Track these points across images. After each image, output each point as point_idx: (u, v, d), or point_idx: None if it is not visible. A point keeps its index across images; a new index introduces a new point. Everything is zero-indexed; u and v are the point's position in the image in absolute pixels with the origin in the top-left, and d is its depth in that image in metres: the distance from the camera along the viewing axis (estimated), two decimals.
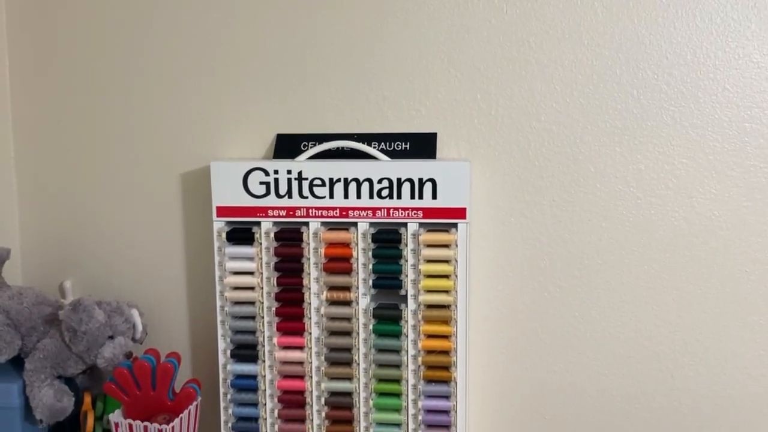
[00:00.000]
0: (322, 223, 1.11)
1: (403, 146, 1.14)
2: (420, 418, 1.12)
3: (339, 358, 1.13)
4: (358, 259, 1.10)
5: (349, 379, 1.13)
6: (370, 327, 1.11)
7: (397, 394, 1.12)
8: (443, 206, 1.07)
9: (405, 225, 1.09)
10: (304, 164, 1.10)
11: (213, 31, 1.18)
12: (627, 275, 1.13)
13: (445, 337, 1.10)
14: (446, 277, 1.09)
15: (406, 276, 1.09)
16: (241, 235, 1.12)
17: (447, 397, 1.11)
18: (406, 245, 1.09)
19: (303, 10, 1.15)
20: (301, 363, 1.13)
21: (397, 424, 1.13)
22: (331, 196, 1.09)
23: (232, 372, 1.15)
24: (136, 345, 1.18)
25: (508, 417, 1.20)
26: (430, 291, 1.09)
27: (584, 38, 1.09)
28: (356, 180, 1.08)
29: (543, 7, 1.09)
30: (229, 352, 1.15)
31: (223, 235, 1.12)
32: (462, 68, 1.13)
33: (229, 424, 1.16)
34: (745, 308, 1.11)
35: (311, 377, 1.13)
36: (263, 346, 1.13)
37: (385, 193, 1.08)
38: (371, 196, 1.09)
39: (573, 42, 1.09)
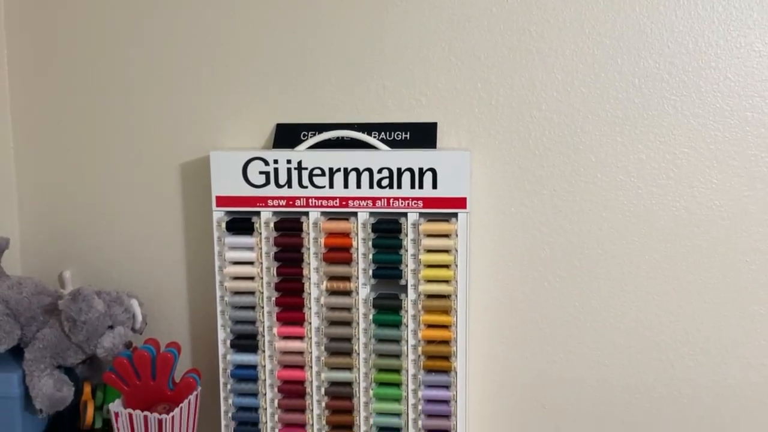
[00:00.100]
0: (322, 213, 1.10)
1: (404, 136, 1.13)
2: (420, 407, 1.12)
3: (339, 348, 1.13)
4: (358, 249, 1.10)
5: (349, 369, 1.13)
6: (370, 317, 1.11)
7: (397, 384, 1.12)
8: (443, 196, 1.07)
9: (405, 215, 1.08)
10: (303, 154, 1.10)
11: (213, 22, 1.17)
12: (627, 265, 1.13)
13: (445, 327, 1.10)
14: (446, 267, 1.09)
15: (406, 266, 1.09)
16: (241, 225, 1.12)
17: (447, 386, 1.11)
18: (406, 235, 1.09)
19: (303, 0, 1.15)
20: (301, 353, 1.13)
21: (397, 414, 1.13)
22: (331, 185, 1.09)
23: (232, 362, 1.15)
24: (135, 335, 1.18)
25: (508, 407, 1.20)
26: (430, 281, 1.09)
27: (585, 27, 1.09)
28: (356, 170, 1.08)
29: None
30: (228, 342, 1.15)
31: (223, 225, 1.12)
32: (462, 57, 1.12)
33: (229, 414, 1.16)
34: (745, 298, 1.11)
35: (311, 367, 1.13)
36: (263, 336, 1.13)
37: (385, 182, 1.08)
38: (371, 186, 1.08)
39: (574, 31, 1.09)
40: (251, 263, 1.13)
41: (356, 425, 1.13)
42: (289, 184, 1.10)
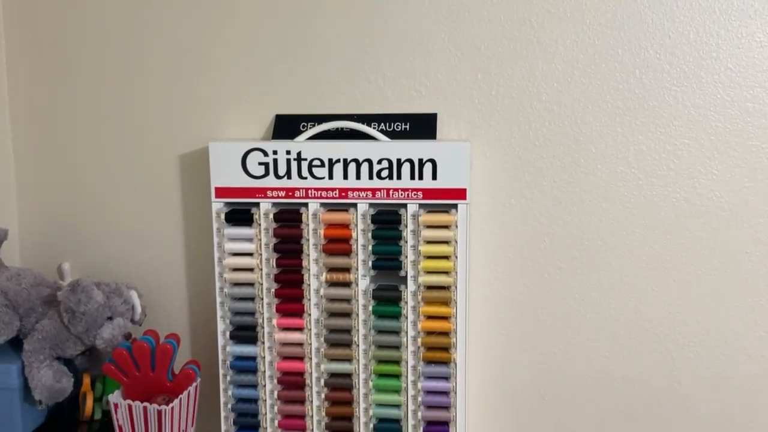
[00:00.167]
0: (322, 204, 1.10)
1: (403, 127, 1.13)
2: (420, 399, 1.12)
3: (338, 340, 1.12)
4: (357, 240, 1.10)
5: (349, 360, 1.12)
6: (370, 308, 1.10)
7: (397, 375, 1.12)
8: (443, 187, 1.07)
9: (405, 206, 1.08)
10: (303, 145, 1.09)
11: (212, 12, 1.17)
12: (628, 256, 1.13)
13: (444, 318, 1.10)
14: (446, 258, 1.08)
15: (406, 257, 1.09)
16: (240, 216, 1.12)
17: (447, 378, 1.11)
18: (406, 226, 1.08)
19: None
20: (300, 344, 1.13)
21: (397, 405, 1.13)
22: (331, 176, 1.09)
23: (231, 353, 1.15)
24: (135, 327, 1.18)
25: (507, 398, 1.20)
26: (429, 272, 1.09)
27: (586, 17, 1.08)
28: (356, 161, 1.08)
29: None
30: (228, 333, 1.15)
31: (222, 216, 1.12)
32: (462, 48, 1.12)
33: (229, 406, 1.16)
34: (745, 289, 1.11)
35: (311, 358, 1.13)
36: (263, 327, 1.13)
37: (384, 173, 1.08)
38: (371, 177, 1.08)
39: (575, 21, 1.08)
40: (251, 254, 1.12)
41: (356, 416, 1.13)
42: (288, 175, 1.10)
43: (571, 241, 1.14)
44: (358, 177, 1.08)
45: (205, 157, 1.11)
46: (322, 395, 1.14)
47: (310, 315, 1.12)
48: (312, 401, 1.14)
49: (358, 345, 1.12)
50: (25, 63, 1.24)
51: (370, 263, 1.10)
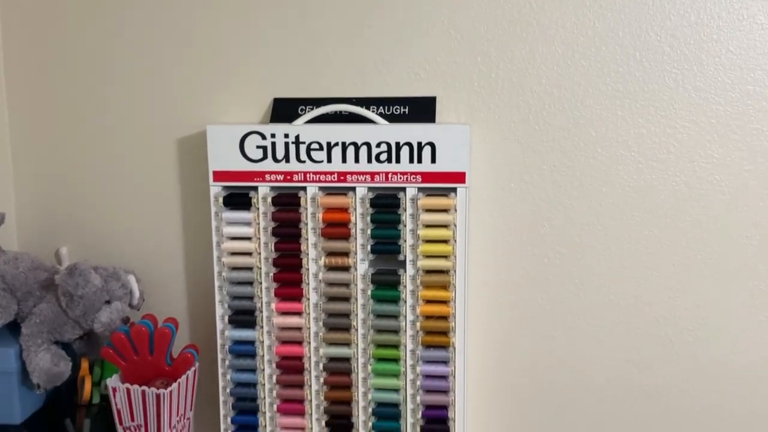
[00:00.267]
0: (320, 188, 1.10)
1: (402, 110, 1.12)
2: (418, 383, 1.11)
3: (337, 324, 1.12)
4: (356, 224, 1.09)
5: (348, 344, 1.12)
6: (369, 293, 1.10)
7: (396, 360, 1.12)
8: (442, 170, 1.06)
9: (404, 189, 1.08)
10: (301, 128, 1.09)
11: None
12: (627, 240, 1.12)
13: (443, 302, 1.09)
14: (445, 242, 1.08)
15: (405, 241, 1.09)
16: (238, 200, 1.11)
17: (445, 362, 1.11)
18: (405, 210, 1.08)
19: None
20: (299, 329, 1.13)
21: (396, 390, 1.12)
22: (329, 160, 1.08)
23: (230, 338, 1.15)
24: (133, 311, 1.18)
25: (506, 382, 1.20)
26: (428, 256, 1.09)
27: None
28: (354, 144, 1.07)
29: None
30: (226, 318, 1.14)
31: (220, 200, 1.11)
32: (462, 30, 1.11)
33: (228, 390, 1.16)
34: (745, 273, 1.11)
35: (309, 343, 1.13)
36: (261, 311, 1.13)
37: (383, 157, 1.07)
38: (369, 161, 1.07)
39: (575, 3, 1.08)
40: (249, 239, 1.12)
41: (355, 401, 1.13)
42: (286, 158, 1.09)
43: (571, 225, 1.13)
44: (356, 161, 1.08)
45: (203, 141, 1.11)
46: (321, 380, 1.14)
47: (308, 299, 1.12)
48: (311, 385, 1.14)
49: (356, 329, 1.11)
50: (21, 49, 1.23)
51: (368, 247, 1.09)
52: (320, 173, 1.09)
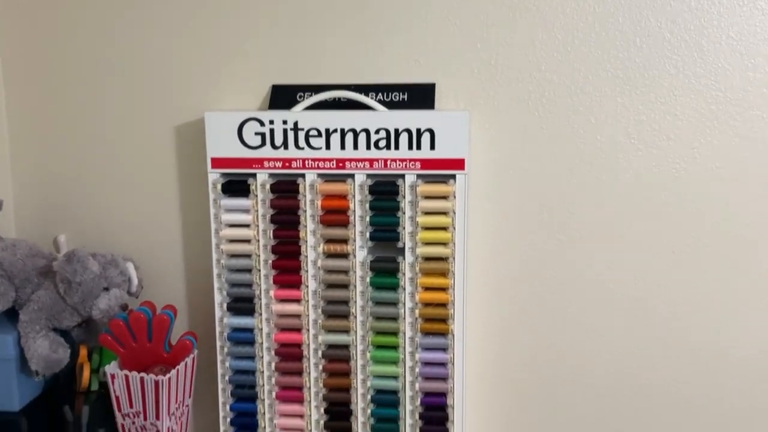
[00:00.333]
0: (319, 175, 1.09)
1: (401, 97, 1.12)
2: (417, 370, 1.11)
3: (336, 311, 1.12)
4: (355, 211, 1.09)
5: (347, 331, 1.12)
6: (368, 280, 1.10)
7: (395, 347, 1.12)
8: (441, 157, 1.06)
9: (403, 176, 1.07)
10: (299, 115, 1.08)
11: None
12: (627, 229, 1.12)
13: (442, 289, 1.09)
14: (444, 229, 1.08)
15: (404, 228, 1.08)
16: (237, 187, 1.11)
17: (444, 349, 1.11)
18: (404, 197, 1.08)
19: None
20: (298, 316, 1.13)
21: (395, 377, 1.12)
22: (328, 147, 1.08)
23: (228, 325, 1.15)
24: (131, 299, 1.18)
25: (505, 369, 1.20)
26: (427, 243, 1.08)
27: None
28: (353, 131, 1.07)
29: None
30: (225, 305, 1.14)
31: (219, 187, 1.11)
32: (461, 17, 1.10)
33: (226, 377, 1.16)
34: (745, 260, 1.10)
35: (308, 330, 1.13)
36: (260, 299, 1.13)
37: (382, 144, 1.07)
38: (368, 147, 1.07)
39: None
40: (247, 226, 1.12)
41: (354, 388, 1.13)
42: (285, 145, 1.09)
43: (570, 212, 1.13)
44: (355, 147, 1.07)
45: (201, 128, 1.10)
46: (320, 367, 1.14)
47: (307, 286, 1.12)
48: (309, 373, 1.14)
49: (355, 316, 1.11)
50: (19, 37, 1.23)
51: (367, 234, 1.09)
52: (319, 160, 1.08)
